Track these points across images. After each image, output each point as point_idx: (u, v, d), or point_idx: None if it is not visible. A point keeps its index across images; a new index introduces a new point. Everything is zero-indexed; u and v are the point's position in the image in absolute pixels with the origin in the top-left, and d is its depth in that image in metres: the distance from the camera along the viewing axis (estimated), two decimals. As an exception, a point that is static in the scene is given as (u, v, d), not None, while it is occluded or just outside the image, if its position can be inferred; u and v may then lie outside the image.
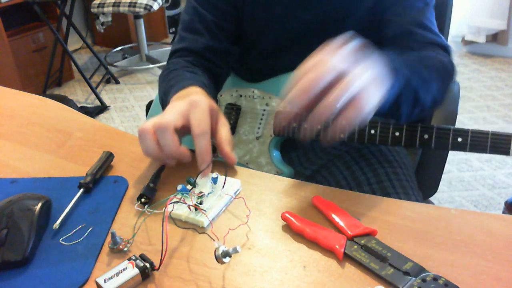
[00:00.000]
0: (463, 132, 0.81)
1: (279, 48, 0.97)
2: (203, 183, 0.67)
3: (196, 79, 0.82)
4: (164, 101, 0.83)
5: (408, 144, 0.85)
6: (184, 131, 0.68)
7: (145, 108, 2.92)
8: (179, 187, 0.64)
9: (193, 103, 0.67)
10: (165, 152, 0.66)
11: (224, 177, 0.67)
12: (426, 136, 0.83)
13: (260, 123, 0.96)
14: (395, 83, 0.67)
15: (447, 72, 0.84)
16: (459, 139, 0.81)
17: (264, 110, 0.97)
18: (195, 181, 0.67)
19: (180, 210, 0.63)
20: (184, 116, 0.67)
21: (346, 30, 0.92)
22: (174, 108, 0.67)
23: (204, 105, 0.67)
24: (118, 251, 0.58)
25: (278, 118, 0.66)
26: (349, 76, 0.58)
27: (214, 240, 0.57)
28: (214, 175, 0.66)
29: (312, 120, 0.60)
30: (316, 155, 1.05)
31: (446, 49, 0.88)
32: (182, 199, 0.63)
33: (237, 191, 0.68)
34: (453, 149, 0.82)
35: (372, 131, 0.86)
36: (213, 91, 0.90)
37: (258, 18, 0.95)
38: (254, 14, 0.95)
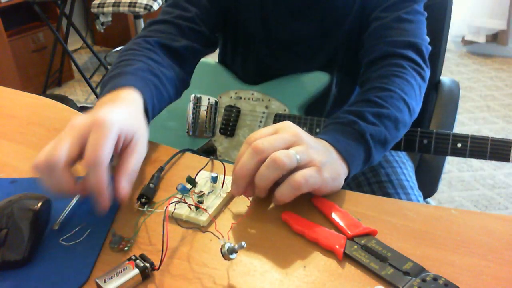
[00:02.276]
0: (463, 138, 0.81)
1: (274, 54, 0.97)
2: (203, 183, 0.67)
3: (143, 76, 0.72)
4: (100, 92, 0.71)
5: (407, 149, 0.85)
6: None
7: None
8: (179, 186, 0.64)
9: (96, 122, 0.55)
10: (59, 191, 0.57)
11: (223, 176, 0.67)
12: (425, 142, 0.83)
13: (259, 126, 0.96)
14: (352, 168, 0.66)
15: (410, 90, 0.77)
16: (459, 145, 0.81)
17: (264, 112, 0.97)
18: (194, 180, 0.67)
19: (181, 209, 0.63)
20: (81, 140, 0.56)
21: (338, 38, 0.93)
22: (72, 129, 0.56)
23: (108, 126, 0.55)
24: (118, 251, 0.58)
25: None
26: (276, 153, 0.57)
27: (218, 238, 0.57)
28: (214, 174, 0.67)
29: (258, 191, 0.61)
30: None
31: (417, 49, 0.82)
32: (183, 198, 0.63)
33: None
34: (453, 154, 0.82)
35: None
36: (171, 84, 0.80)
37: (251, 26, 0.95)
38: (248, 22, 0.95)
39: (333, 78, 0.94)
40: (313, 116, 0.93)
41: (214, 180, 0.67)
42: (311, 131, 0.91)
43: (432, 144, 0.82)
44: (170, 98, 0.79)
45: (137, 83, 0.68)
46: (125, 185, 0.58)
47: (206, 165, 0.73)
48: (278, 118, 0.94)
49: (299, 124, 0.92)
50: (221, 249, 0.53)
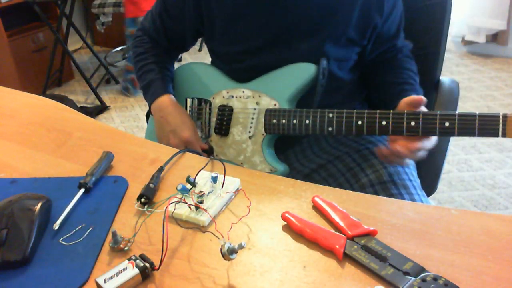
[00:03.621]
0: (450, 116, 0.80)
1: (259, 48, 0.98)
2: (203, 183, 0.67)
3: (164, 78, 1.04)
4: (144, 94, 1.06)
5: (395, 132, 0.84)
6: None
7: (145, 109, 2.91)
8: (179, 186, 0.64)
9: (187, 143, 0.97)
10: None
11: (223, 176, 0.67)
12: (413, 123, 0.82)
13: (251, 122, 0.96)
14: None
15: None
16: (447, 124, 0.80)
17: (255, 109, 0.96)
18: (194, 180, 0.67)
19: (181, 209, 0.63)
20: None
21: (329, 31, 0.93)
22: (175, 146, 0.96)
23: (193, 143, 0.97)
24: (118, 250, 0.58)
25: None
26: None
27: (218, 238, 0.57)
28: (214, 174, 0.67)
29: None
30: (314, 154, 1.05)
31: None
32: (183, 198, 0.63)
33: (236, 189, 0.68)
34: (441, 134, 0.81)
35: (359, 122, 0.86)
36: (173, 68, 1.12)
37: (231, 18, 0.96)
38: (229, 18, 0.96)
39: (320, 68, 0.94)
40: (303, 108, 0.93)
41: (214, 180, 0.67)
42: (300, 123, 0.91)
43: (420, 125, 0.82)
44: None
45: (168, 87, 1.03)
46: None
47: (206, 165, 0.73)
48: (269, 113, 0.94)
49: (289, 117, 0.93)
50: (221, 249, 0.53)
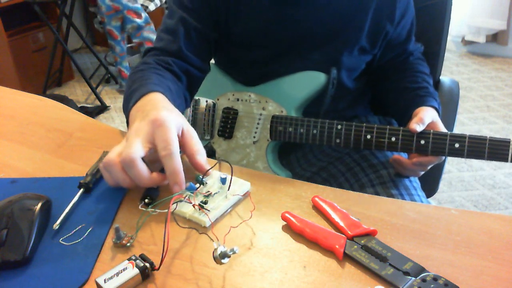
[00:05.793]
0: (460, 138, 0.80)
1: (272, 56, 0.96)
2: (212, 183, 0.67)
3: (161, 84, 0.78)
4: (125, 107, 0.79)
5: (404, 149, 0.84)
6: (152, 155, 0.64)
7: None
8: (187, 185, 0.63)
9: (156, 122, 0.63)
10: (137, 183, 0.63)
11: (234, 178, 0.67)
12: (422, 142, 0.82)
13: (257, 128, 0.96)
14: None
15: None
16: (456, 145, 0.80)
17: (261, 114, 0.96)
18: (202, 179, 0.66)
19: (185, 207, 0.62)
20: (149, 140, 0.63)
21: (343, 41, 0.93)
22: (137, 133, 0.63)
23: (168, 122, 0.63)
24: (121, 246, 0.58)
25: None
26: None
27: (213, 241, 0.57)
28: (223, 175, 0.66)
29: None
30: (315, 157, 1.04)
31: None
32: (187, 197, 0.63)
33: (245, 193, 0.67)
34: (450, 155, 0.81)
35: (368, 136, 0.86)
36: (180, 95, 0.86)
37: (248, 28, 0.94)
38: (245, 24, 0.94)
39: (330, 78, 0.93)
40: (310, 117, 0.92)
41: (223, 181, 0.66)
42: (308, 133, 0.90)
43: (429, 144, 0.82)
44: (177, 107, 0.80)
45: (160, 88, 0.75)
46: (202, 161, 0.66)
47: (213, 166, 0.71)
48: (275, 119, 0.94)
49: (296, 126, 0.92)
50: (213, 253, 0.53)
